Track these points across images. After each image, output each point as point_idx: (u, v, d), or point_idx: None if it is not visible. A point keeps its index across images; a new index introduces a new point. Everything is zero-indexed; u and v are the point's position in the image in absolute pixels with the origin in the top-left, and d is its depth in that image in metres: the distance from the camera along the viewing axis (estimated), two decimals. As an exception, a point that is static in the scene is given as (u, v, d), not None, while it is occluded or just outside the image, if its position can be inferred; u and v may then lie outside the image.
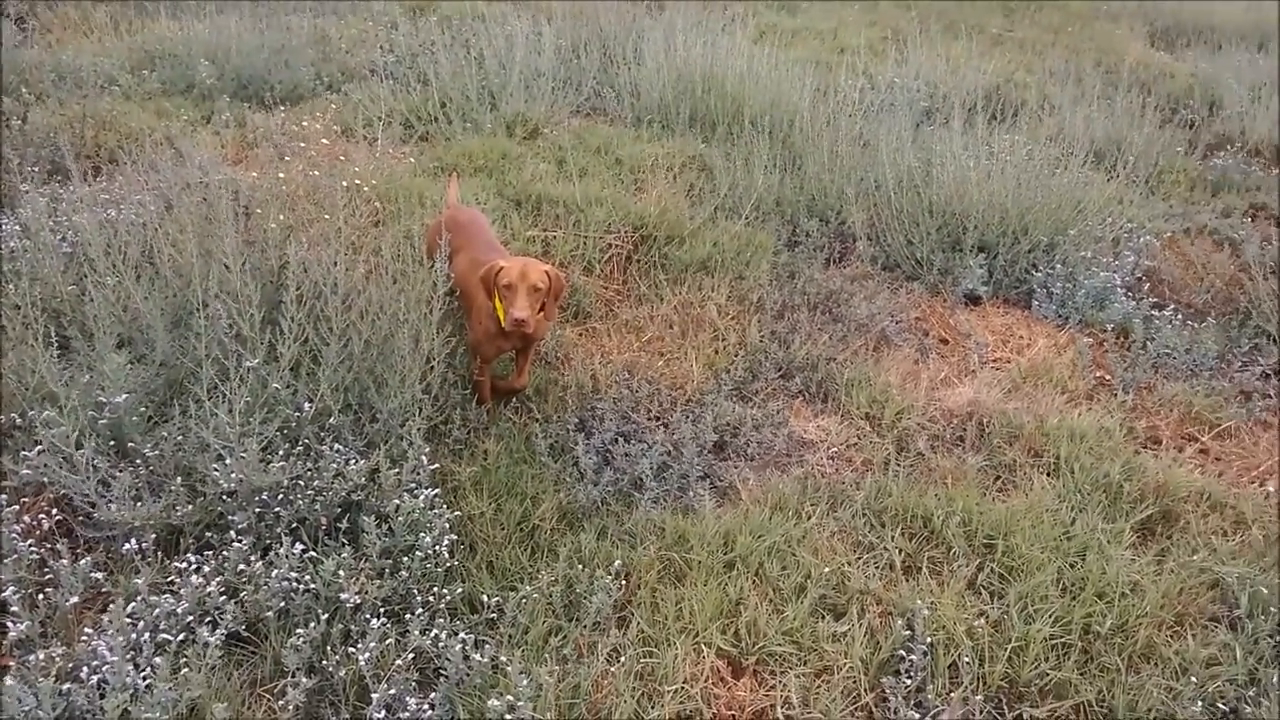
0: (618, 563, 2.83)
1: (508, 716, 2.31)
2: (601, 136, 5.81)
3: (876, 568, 2.99)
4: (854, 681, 2.59)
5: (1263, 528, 3.23)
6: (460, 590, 2.70)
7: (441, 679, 2.44)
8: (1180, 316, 4.45)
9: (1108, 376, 4.13)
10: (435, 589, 2.65)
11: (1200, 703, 2.57)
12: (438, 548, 2.73)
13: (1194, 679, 2.62)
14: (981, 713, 2.51)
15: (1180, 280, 4.89)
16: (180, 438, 2.92)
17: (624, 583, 2.82)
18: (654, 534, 3.05)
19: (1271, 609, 2.81)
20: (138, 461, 2.83)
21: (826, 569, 2.90)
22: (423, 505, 2.79)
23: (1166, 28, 9.43)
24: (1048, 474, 3.45)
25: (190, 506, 2.69)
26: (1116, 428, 3.70)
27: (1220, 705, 2.58)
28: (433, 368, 3.21)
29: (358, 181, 3.87)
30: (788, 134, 5.96)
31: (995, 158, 5.25)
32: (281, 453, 2.83)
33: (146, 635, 2.31)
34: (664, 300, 4.44)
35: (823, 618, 2.77)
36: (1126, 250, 4.90)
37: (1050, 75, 7.68)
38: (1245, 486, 3.51)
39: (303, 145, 4.95)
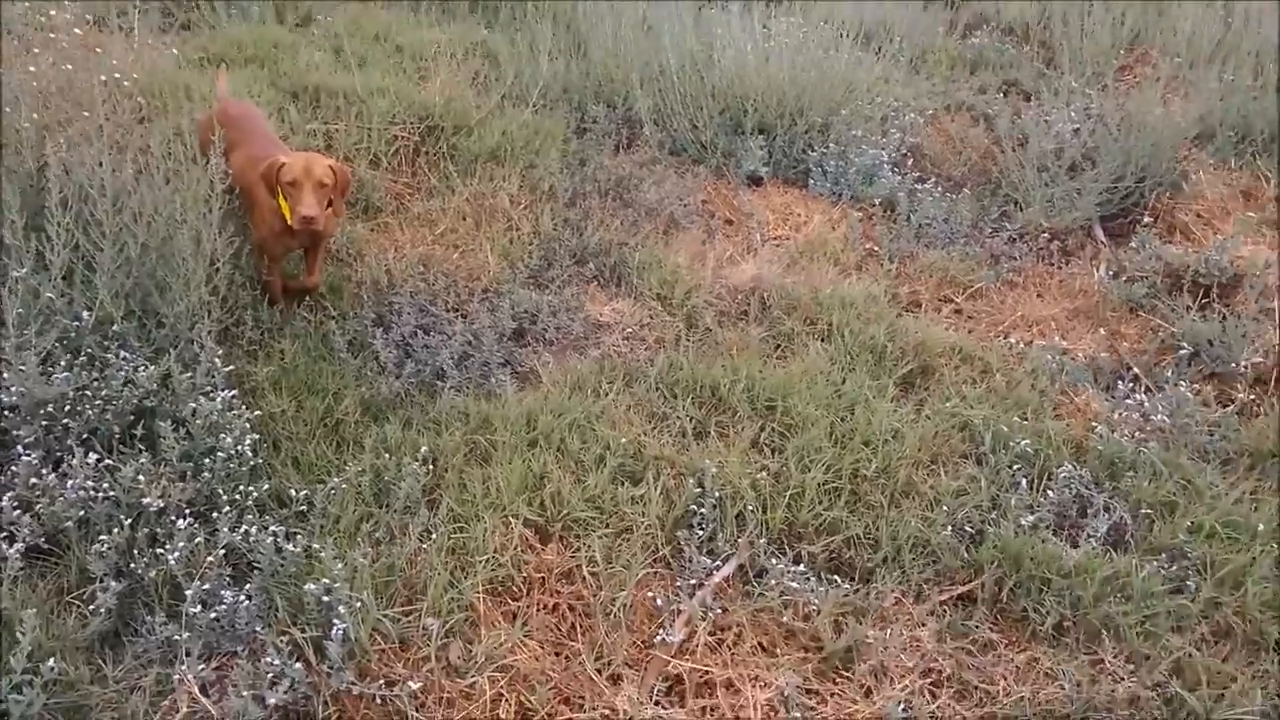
0: (424, 449, 2.96)
1: (325, 598, 2.44)
2: (380, 23, 5.69)
3: (670, 435, 3.25)
4: (652, 537, 2.86)
5: (1005, 375, 3.69)
6: (267, 487, 2.77)
7: (255, 572, 2.53)
8: (940, 189, 4.88)
9: (876, 248, 4.52)
10: (241, 488, 2.72)
11: (950, 528, 2.98)
12: (240, 448, 2.78)
13: (945, 508, 3.03)
14: (765, 553, 2.84)
15: (940, 155, 5.34)
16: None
17: (431, 468, 2.97)
18: (458, 420, 3.19)
19: (1010, 444, 3.25)
20: (-101, 385, 2.72)
21: (624, 440, 3.14)
22: (220, 407, 2.82)
23: (932, -91, 9.89)
24: (822, 340, 3.80)
25: (-32, 424, 2.63)
26: (882, 294, 4.10)
27: (968, 529, 3.00)
28: (218, 269, 3.19)
29: (117, 75, 3.68)
30: (572, 19, 6.01)
31: (773, 40, 5.50)
32: (64, 364, 2.78)
33: (-62, 555, 2.29)
34: (455, 192, 4.49)
35: (622, 484, 3.01)
36: (893, 128, 5.29)
37: (824, -43, 7.97)
38: (992, 340, 3.98)
39: (53, 36, 4.61)
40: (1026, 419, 3.42)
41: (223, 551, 2.52)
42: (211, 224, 3.17)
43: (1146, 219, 4.64)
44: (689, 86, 5.29)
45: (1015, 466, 3.19)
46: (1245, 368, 3.74)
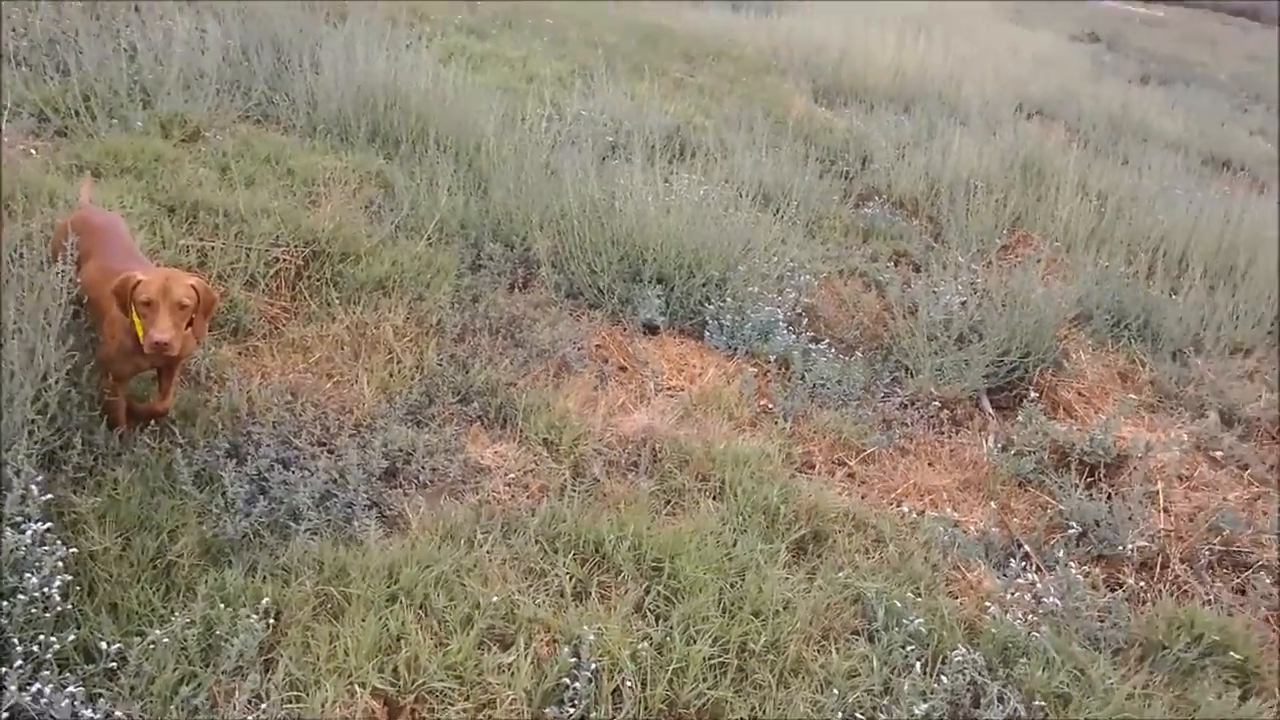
0: (267, 600, 2.62)
1: (124, 779, 2.06)
2: (272, 145, 5.48)
3: (547, 595, 2.98)
4: (517, 713, 2.55)
5: (898, 545, 3.55)
6: (73, 638, 2.39)
7: (44, 742, 2.13)
8: (834, 350, 4.83)
9: (770, 404, 4.40)
10: (42, 637, 2.33)
11: (841, 713, 2.76)
12: (46, 590, 2.40)
13: (836, 690, 2.82)
14: (643, 735, 2.56)
15: (834, 317, 5.32)
16: None
17: (273, 622, 2.62)
18: (311, 568, 2.86)
19: (903, 621, 3.09)
20: None
21: (495, 598, 2.85)
22: (29, 541, 2.45)
23: (827, 86, 10.33)
24: (714, 497, 3.61)
25: None
26: (776, 453, 3.95)
27: (859, 715, 2.78)
28: (49, 386, 2.84)
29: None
30: (474, 157, 5.93)
31: (674, 194, 5.50)
32: None
33: None
34: (336, 319, 4.24)
35: (489, 649, 2.72)
36: (789, 288, 5.28)
37: (725, 121, 8.18)
38: (885, 507, 3.86)
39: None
40: (920, 595, 3.26)
41: (7, 715, 2.12)
42: (50, 336, 2.85)
43: (1032, 394, 4.67)
44: (589, 231, 5.21)
45: (908, 647, 3.02)
46: (1132, 551, 3.72)
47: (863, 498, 3.91)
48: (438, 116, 6.17)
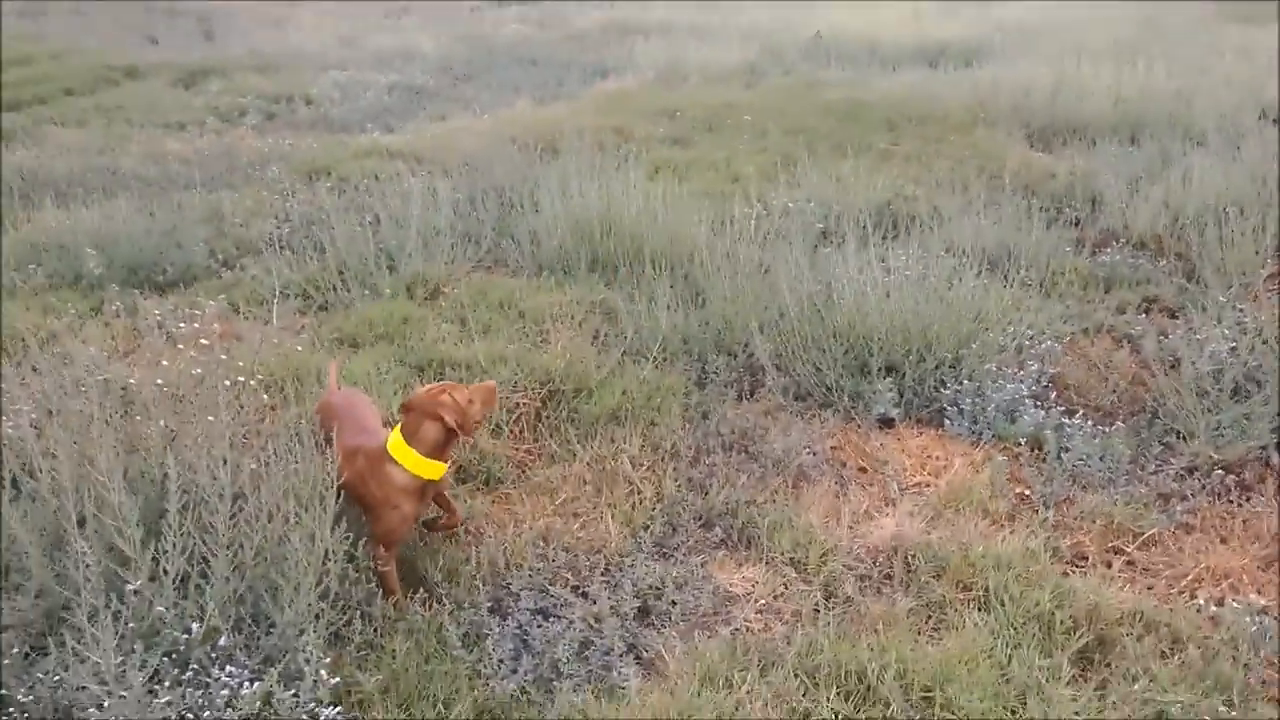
0: (540, 766, 2.66)
1: None
2: (503, 290, 5.79)
3: (814, 736, 2.86)
4: None
5: (1199, 645, 3.17)
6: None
7: None
8: (1090, 422, 4.45)
9: (1027, 492, 4.11)
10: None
11: None
12: (341, 777, 2.54)
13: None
14: None
15: (1085, 383, 4.92)
16: (60, 675, 2.71)
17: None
18: (577, 725, 2.89)
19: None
20: (11, 709, 2.61)
21: (763, 746, 2.77)
22: (323, 729, 2.61)
23: (1042, 128, 9.81)
24: (979, 608, 3.37)
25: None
26: (1041, 549, 3.64)
27: None
28: (328, 569, 3.05)
29: (241, 379, 3.74)
30: (689, 270, 6.00)
31: (893, 275, 5.32)
32: (168, 681, 2.64)
33: None
34: (576, 457, 4.35)
35: (762, 801, 2.63)
36: (1030, 358, 4.95)
37: (937, 186, 7.90)
38: (1176, 600, 3.47)
39: (197, 326, 4.86)
40: (1233, 707, 2.88)
41: None
42: (325, 522, 3.07)
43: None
44: (809, 329, 5.12)
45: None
46: None
47: (1149, 589, 3.54)
48: (650, 235, 6.30)
